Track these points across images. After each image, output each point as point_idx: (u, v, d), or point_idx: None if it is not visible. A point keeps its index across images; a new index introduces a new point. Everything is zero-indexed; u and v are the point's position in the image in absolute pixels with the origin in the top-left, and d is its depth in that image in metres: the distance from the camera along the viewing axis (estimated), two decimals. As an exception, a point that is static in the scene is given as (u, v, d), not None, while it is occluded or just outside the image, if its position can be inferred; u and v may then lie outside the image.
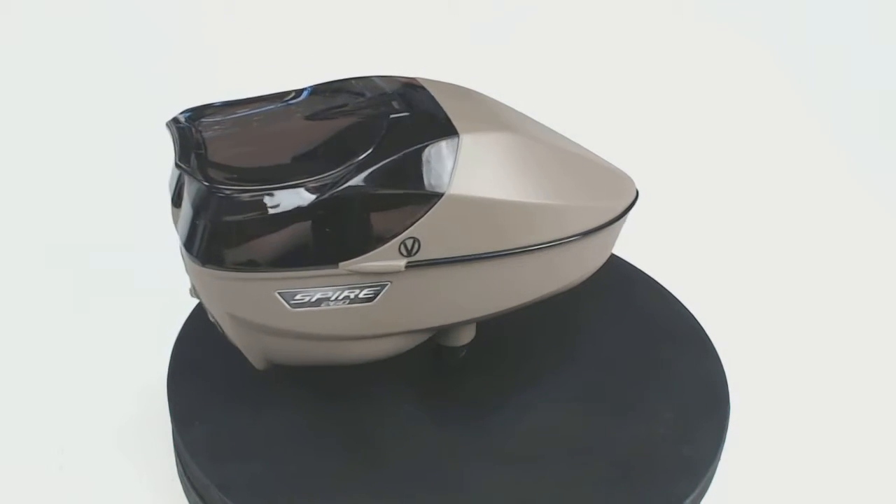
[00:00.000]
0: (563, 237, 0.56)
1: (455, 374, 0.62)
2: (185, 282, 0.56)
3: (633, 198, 0.61)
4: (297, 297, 0.51)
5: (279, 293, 0.51)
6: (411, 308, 0.54)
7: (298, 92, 0.58)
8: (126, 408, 0.67)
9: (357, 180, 0.49)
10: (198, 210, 0.49)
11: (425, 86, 0.57)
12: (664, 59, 1.11)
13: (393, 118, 0.53)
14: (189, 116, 0.55)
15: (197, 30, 1.05)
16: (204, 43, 1.04)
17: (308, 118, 0.55)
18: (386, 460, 0.56)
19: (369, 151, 0.50)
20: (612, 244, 0.61)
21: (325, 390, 0.60)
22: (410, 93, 0.56)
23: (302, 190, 0.49)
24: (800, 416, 0.70)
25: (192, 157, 0.50)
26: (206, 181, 0.49)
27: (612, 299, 0.69)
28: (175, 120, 0.54)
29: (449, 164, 0.51)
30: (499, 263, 0.54)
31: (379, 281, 0.51)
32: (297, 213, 0.49)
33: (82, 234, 0.84)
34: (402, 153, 0.50)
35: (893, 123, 1.06)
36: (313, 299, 0.51)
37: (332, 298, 0.51)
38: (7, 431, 0.66)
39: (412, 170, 0.51)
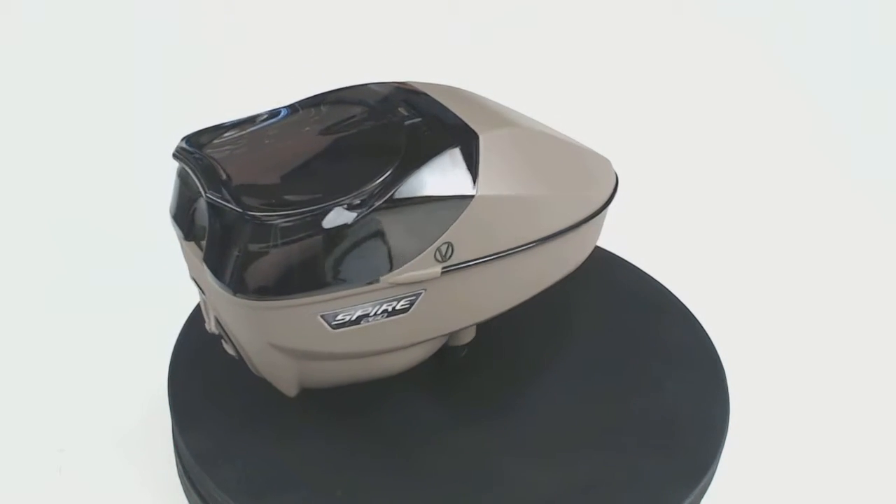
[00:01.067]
0: (572, 223, 0.57)
1: (459, 373, 0.62)
2: (186, 282, 0.56)
3: (615, 180, 0.62)
4: (339, 317, 0.50)
5: (321, 315, 0.50)
6: (443, 313, 0.54)
7: (293, 107, 0.56)
8: (126, 408, 0.67)
9: (394, 192, 0.49)
10: (235, 240, 0.47)
11: (423, 90, 0.57)
12: (658, 56, 1.11)
13: (409, 125, 0.52)
14: (192, 144, 0.53)
15: (195, 31, 1.05)
16: (201, 43, 1.04)
17: (322, 133, 0.54)
18: (423, 467, 0.56)
19: (398, 162, 0.50)
20: (602, 225, 0.62)
21: (336, 404, 0.60)
22: (413, 98, 0.56)
23: (342, 208, 0.48)
24: (799, 411, 0.70)
25: (221, 186, 0.48)
26: (244, 209, 0.47)
27: (595, 286, 0.69)
28: (183, 150, 0.52)
29: (473, 165, 0.51)
30: (521, 257, 0.54)
31: (415, 290, 0.51)
32: (341, 232, 0.48)
33: (82, 234, 0.84)
34: (430, 160, 0.50)
35: (891, 121, 1.06)
36: (354, 317, 0.50)
37: (372, 314, 0.51)
38: (7, 432, 0.66)
39: (442, 175, 0.50)
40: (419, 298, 0.51)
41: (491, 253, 0.53)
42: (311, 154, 0.52)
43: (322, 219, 0.47)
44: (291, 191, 0.48)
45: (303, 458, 0.56)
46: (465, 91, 0.59)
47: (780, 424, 0.69)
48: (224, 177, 0.49)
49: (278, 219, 0.47)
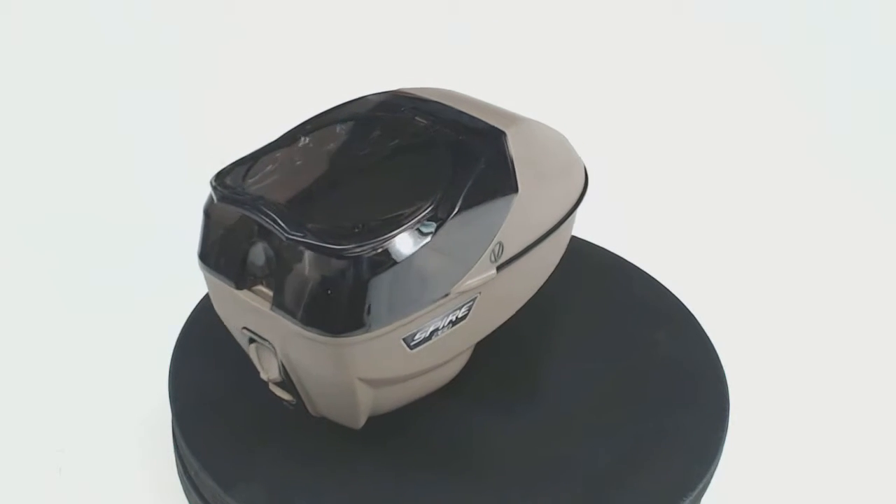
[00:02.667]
0: (572, 207, 0.58)
1: (459, 375, 0.62)
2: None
3: (582, 163, 0.62)
4: (416, 336, 0.50)
5: (403, 339, 0.49)
6: (491, 312, 0.55)
7: (305, 129, 0.54)
8: (126, 407, 0.67)
9: (457, 205, 0.49)
10: (325, 279, 0.46)
11: (425, 96, 0.57)
12: (658, 56, 1.11)
13: (441, 135, 0.53)
14: (231, 183, 0.50)
15: (194, 31, 1.05)
16: (200, 43, 1.04)
17: (362, 155, 0.52)
18: (461, 465, 0.56)
19: (451, 173, 0.50)
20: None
21: None
22: (423, 106, 0.55)
23: (417, 230, 0.47)
24: (799, 410, 0.70)
25: (300, 225, 0.47)
26: (332, 246, 0.46)
27: (594, 286, 0.69)
28: (231, 194, 0.49)
29: (510, 163, 0.52)
30: (544, 244, 0.56)
31: (473, 295, 0.51)
32: (422, 253, 0.47)
33: (82, 233, 0.84)
34: (479, 166, 0.50)
35: (890, 120, 1.06)
36: (428, 333, 0.50)
37: (441, 327, 0.51)
38: (7, 432, 0.66)
39: (492, 178, 0.51)
40: (475, 302, 0.52)
41: (527, 244, 0.54)
42: (363, 179, 0.51)
43: (404, 243, 0.47)
44: (365, 220, 0.47)
45: (304, 458, 0.56)
46: (455, 92, 0.59)
47: (779, 423, 0.69)
48: (300, 215, 0.47)
49: (368, 251, 0.46)
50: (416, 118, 0.54)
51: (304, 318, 0.47)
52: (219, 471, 0.55)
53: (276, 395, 0.54)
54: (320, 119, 0.55)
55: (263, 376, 0.53)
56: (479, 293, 0.51)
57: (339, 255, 0.45)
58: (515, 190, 0.51)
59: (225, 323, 0.53)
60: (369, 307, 0.47)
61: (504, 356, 0.62)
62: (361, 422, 0.53)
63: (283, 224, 0.47)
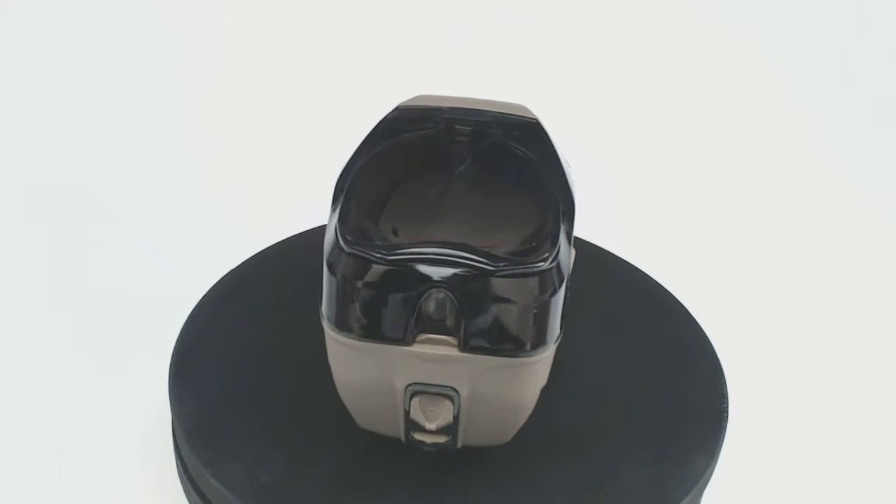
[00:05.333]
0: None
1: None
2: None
3: None
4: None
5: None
6: None
7: (367, 169, 0.51)
8: (126, 407, 0.67)
9: (572, 201, 0.49)
10: (535, 299, 0.45)
11: (437, 104, 0.54)
12: (655, 57, 1.11)
13: (494, 136, 0.52)
14: (381, 243, 0.46)
15: (193, 30, 1.06)
16: (198, 42, 1.05)
17: (450, 175, 0.50)
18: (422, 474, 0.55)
19: (538, 173, 0.50)
20: None
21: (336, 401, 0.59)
22: (447, 113, 0.54)
23: (563, 235, 0.47)
24: (799, 409, 0.70)
25: (492, 256, 0.45)
26: (531, 266, 0.44)
27: (591, 285, 0.68)
28: (388, 257, 0.45)
29: (555, 149, 0.52)
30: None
31: None
32: (572, 256, 0.48)
33: (83, 232, 0.83)
34: (557, 158, 0.51)
35: (891, 121, 1.06)
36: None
37: None
38: (7, 431, 0.66)
39: (556, 168, 0.51)
40: None
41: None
42: (472, 199, 0.49)
43: (560, 251, 0.46)
44: (523, 238, 0.46)
45: (307, 457, 0.56)
46: (442, 95, 0.57)
47: (779, 423, 0.69)
48: (482, 245, 0.45)
49: (551, 263, 0.45)
50: (457, 126, 0.52)
51: (513, 345, 0.46)
52: (219, 471, 0.55)
53: (414, 441, 0.51)
54: (371, 153, 0.51)
55: (430, 427, 0.49)
56: None
57: (539, 273, 0.45)
58: (563, 171, 0.51)
59: (360, 393, 0.50)
60: (562, 316, 0.47)
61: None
62: (507, 440, 0.53)
63: (480, 259, 0.44)
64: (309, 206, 0.77)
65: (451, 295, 0.45)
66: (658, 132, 1.03)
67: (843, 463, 0.67)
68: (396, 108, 0.54)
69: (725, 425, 0.60)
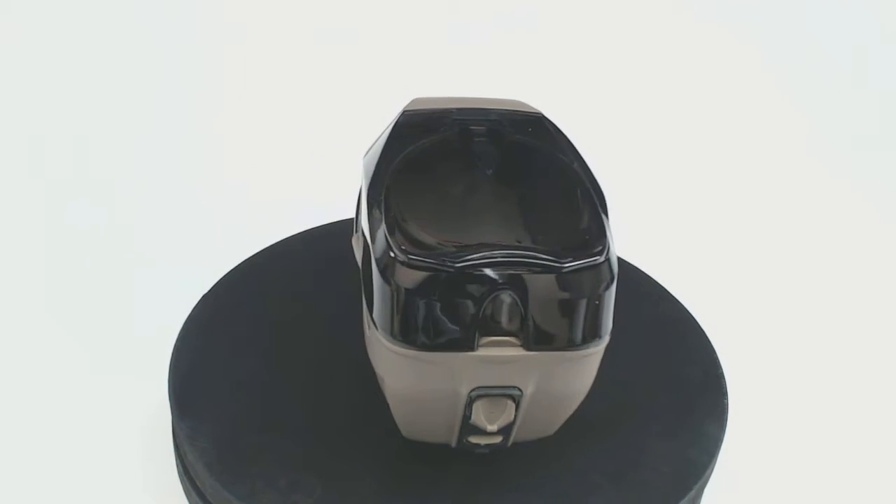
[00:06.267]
0: None
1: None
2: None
3: None
4: None
5: None
6: None
7: (398, 177, 0.50)
8: (126, 407, 0.67)
9: (593, 188, 0.50)
10: (602, 289, 0.45)
11: (442, 105, 0.54)
12: (655, 57, 1.11)
13: (509, 133, 0.52)
14: (445, 252, 0.45)
15: (191, 31, 1.06)
16: (197, 42, 1.05)
17: (484, 176, 0.50)
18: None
19: (563, 164, 0.51)
20: None
21: (335, 401, 0.59)
22: (458, 114, 0.53)
23: (605, 219, 0.48)
24: (798, 410, 0.70)
25: (558, 252, 0.45)
26: (595, 258, 0.45)
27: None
28: (458, 266, 0.45)
29: (564, 138, 0.53)
30: None
31: None
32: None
33: (84, 231, 0.83)
34: (575, 149, 0.51)
35: (891, 122, 1.06)
36: None
37: None
38: (7, 431, 0.66)
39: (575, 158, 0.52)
40: None
41: None
42: (513, 197, 0.49)
43: (611, 234, 0.47)
44: (570, 232, 0.47)
45: (340, 474, 0.55)
46: (440, 97, 0.57)
47: (778, 422, 0.69)
48: (551, 243, 0.45)
49: (606, 255, 0.46)
50: (472, 127, 0.52)
51: (576, 339, 0.46)
52: (220, 471, 0.55)
53: (467, 445, 0.51)
54: (397, 160, 0.50)
55: (491, 429, 0.49)
56: None
57: (599, 266, 0.45)
58: (584, 161, 0.52)
59: (417, 404, 0.50)
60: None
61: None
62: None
63: (545, 257, 0.45)
64: (309, 207, 0.77)
65: (515, 295, 0.44)
66: (657, 132, 1.03)
67: (843, 459, 0.67)
68: (404, 113, 0.54)
69: (726, 392, 0.61)
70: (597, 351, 0.48)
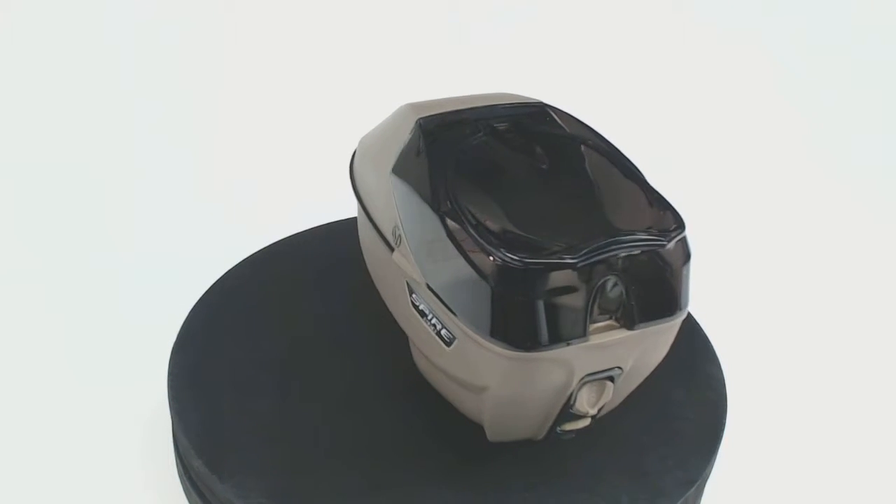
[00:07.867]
0: None
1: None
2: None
3: None
4: None
5: None
6: None
7: (454, 181, 0.50)
8: (126, 407, 0.67)
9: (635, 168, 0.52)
10: (684, 261, 0.49)
11: (448, 107, 0.55)
12: (655, 58, 1.11)
13: (537, 127, 0.54)
14: (555, 248, 0.46)
15: (190, 30, 1.06)
16: (196, 42, 1.05)
17: (536, 170, 0.52)
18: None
19: (603, 156, 0.53)
20: None
21: (334, 401, 0.59)
22: (476, 113, 0.55)
23: (672, 214, 0.50)
24: (798, 410, 0.70)
25: (650, 231, 0.48)
26: (678, 233, 0.48)
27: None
28: (574, 260, 0.46)
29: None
30: None
31: None
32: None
33: (84, 231, 0.83)
34: (597, 134, 0.54)
35: (891, 122, 1.06)
36: None
37: None
38: (7, 431, 0.66)
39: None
40: None
41: None
42: (572, 185, 0.52)
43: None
44: (638, 209, 0.50)
45: (306, 457, 0.56)
46: (444, 98, 0.58)
47: (778, 422, 0.69)
48: (642, 225, 0.49)
49: (684, 226, 0.49)
50: (496, 126, 0.54)
51: (672, 308, 0.49)
52: (220, 471, 0.55)
53: (555, 434, 0.52)
54: (446, 167, 0.51)
55: (593, 412, 0.50)
56: None
57: (684, 237, 0.49)
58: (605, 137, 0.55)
59: (526, 405, 0.50)
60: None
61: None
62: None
63: (650, 238, 0.47)
64: (309, 207, 0.77)
65: (620, 278, 0.46)
66: (656, 132, 1.03)
67: (842, 462, 0.67)
68: (419, 120, 0.53)
69: (725, 393, 0.61)
70: (682, 318, 0.50)
